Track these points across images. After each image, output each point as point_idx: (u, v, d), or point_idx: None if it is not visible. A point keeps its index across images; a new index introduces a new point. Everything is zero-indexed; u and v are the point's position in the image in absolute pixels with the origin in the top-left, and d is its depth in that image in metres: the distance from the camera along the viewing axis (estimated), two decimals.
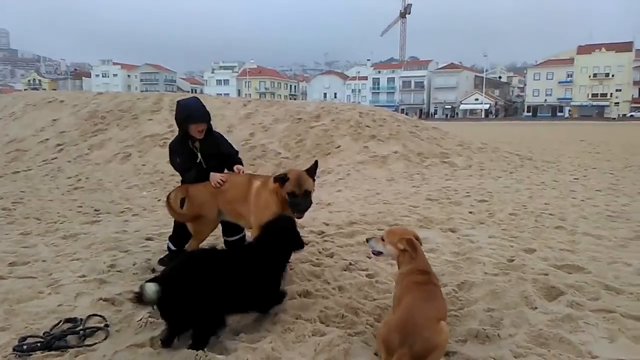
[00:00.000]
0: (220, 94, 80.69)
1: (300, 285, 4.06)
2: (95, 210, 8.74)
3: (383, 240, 3.24)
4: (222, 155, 4.77)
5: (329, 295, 3.90)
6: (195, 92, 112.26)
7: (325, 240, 5.58)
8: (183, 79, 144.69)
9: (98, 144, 14.34)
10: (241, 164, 4.81)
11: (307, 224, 6.09)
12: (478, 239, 5.56)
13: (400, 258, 3.16)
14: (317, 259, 4.83)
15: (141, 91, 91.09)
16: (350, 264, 4.65)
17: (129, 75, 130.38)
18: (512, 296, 3.71)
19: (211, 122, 4.67)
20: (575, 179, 10.83)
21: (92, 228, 6.75)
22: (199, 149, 4.62)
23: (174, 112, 4.66)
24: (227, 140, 4.91)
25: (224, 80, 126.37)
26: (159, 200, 10.03)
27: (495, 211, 7.11)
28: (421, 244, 3.23)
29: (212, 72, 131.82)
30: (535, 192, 8.90)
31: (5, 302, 3.85)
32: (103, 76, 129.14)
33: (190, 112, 4.49)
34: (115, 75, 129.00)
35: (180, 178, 4.93)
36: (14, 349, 3.01)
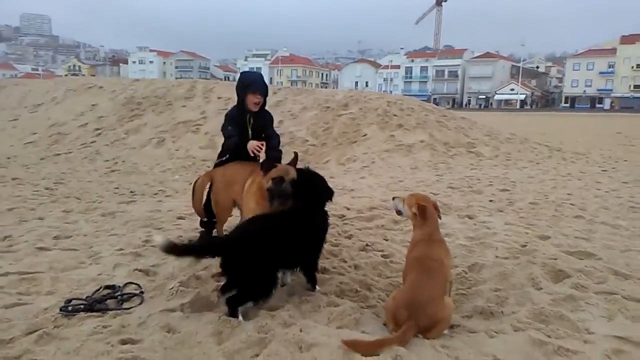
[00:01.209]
0: None
1: (318, 263, 4.33)
2: (131, 191, 9.21)
3: (404, 201, 3.49)
4: (266, 135, 4.96)
5: (345, 272, 4.17)
6: (229, 79, 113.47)
7: (345, 223, 5.84)
8: (217, 66, 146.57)
9: (134, 129, 14.92)
10: (278, 156, 4.79)
11: (328, 207, 6.34)
12: (494, 225, 5.70)
13: (413, 221, 3.42)
14: (335, 240, 5.09)
15: (176, 78, 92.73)
16: (367, 245, 4.90)
17: (164, 62, 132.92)
18: (519, 278, 3.89)
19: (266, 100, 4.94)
20: (603, 170, 10.72)
21: (128, 207, 7.18)
22: (252, 124, 4.87)
23: (236, 82, 5.00)
24: (272, 122, 5.13)
25: (256, 67, 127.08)
26: (190, 183, 10.43)
27: (515, 200, 7.21)
28: (439, 214, 3.45)
29: (245, 60, 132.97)
30: (559, 182, 8.91)
31: (51, 270, 4.25)
32: (140, 63, 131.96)
33: (252, 82, 4.79)
34: (151, 62, 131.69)
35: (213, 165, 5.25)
36: (60, 309, 3.37)
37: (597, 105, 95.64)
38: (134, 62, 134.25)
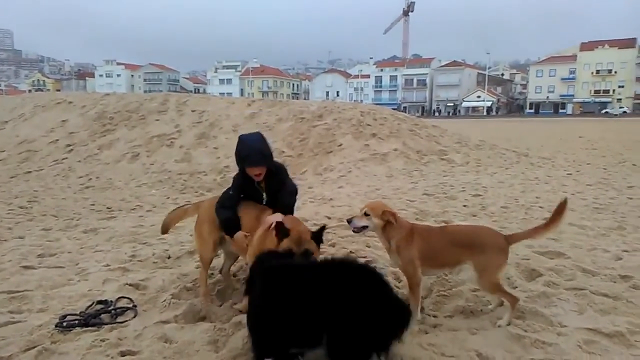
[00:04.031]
0: (223, 94, 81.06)
1: None
2: (108, 207, 9.19)
3: (367, 215, 3.51)
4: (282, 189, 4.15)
5: None
6: (199, 91, 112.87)
7: (328, 232, 5.97)
8: (186, 78, 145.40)
9: (107, 144, 14.81)
10: (288, 207, 4.08)
11: (310, 217, 6.50)
12: None
13: (388, 229, 3.49)
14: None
15: (144, 91, 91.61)
16: (351, 252, 5.08)
17: (132, 75, 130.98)
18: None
19: (272, 162, 4.08)
20: (568, 174, 11.21)
21: (109, 223, 7.20)
22: (265, 188, 4.11)
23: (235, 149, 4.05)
24: (283, 168, 4.29)
25: (226, 79, 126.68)
26: (167, 198, 10.50)
27: (488, 204, 7.52)
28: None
29: (215, 72, 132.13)
30: (528, 186, 9.30)
31: (40, 288, 4.29)
32: (107, 76, 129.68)
33: (249, 154, 3.93)
34: (118, 75, 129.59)
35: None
36: (56, 326, 3.43)
37: (561, 111, 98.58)
38: (100, 75, 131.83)
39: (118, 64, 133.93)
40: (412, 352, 2.97)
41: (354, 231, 3.62)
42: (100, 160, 13.90)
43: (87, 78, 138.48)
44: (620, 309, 3.55)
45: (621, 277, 4.17)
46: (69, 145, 14.98)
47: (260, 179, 4.01)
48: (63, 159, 14.19)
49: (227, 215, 3.93)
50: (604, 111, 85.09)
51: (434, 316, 3.63)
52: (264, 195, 4.10)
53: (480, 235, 3.59)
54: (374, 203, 3.70)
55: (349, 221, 3.59)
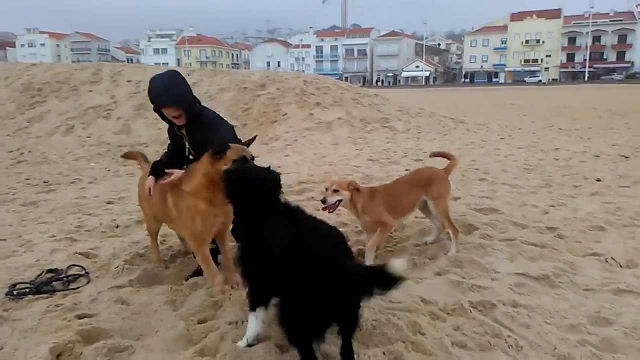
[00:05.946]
0: (159, 64, 77.88)
1: None
2: (45, 182, 8.81)
3: (336, 191, 3.74)
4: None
5: None
6: (131, 61, 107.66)
7: None
8: (118, 48, 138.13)
9: (37, 117, 14.01)
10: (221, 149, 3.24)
11: None
12: None
13: (354, 197, 3.81)
14: None
15: (72, 61, 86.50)
16: None
17: (58, 45, 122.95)
18: (435, 233, 4.43)
19: (195, 106, 3.69)
20: (501, 138, 11.88)
21: (49, 196, 6.95)
22: (187, 136, 3.76)
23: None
24: (220, 121, 3.87)
25: (161, 49, 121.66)
26: (108, 170, 10.19)
27: None
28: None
29: (149, 41, 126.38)
30: (464, 151, 9.80)
31: None
32: (29, 46, 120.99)
33: (155, 95, 3.51)
34: (42, 44, 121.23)
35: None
36: (6, 294, 3.37)
37: (494, 79, 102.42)
38: (22, 45, 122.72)
39: (41, 32, 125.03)
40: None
41: (329, 211, 3.76)
42: (31, 134, 13.16)
43: (7, 48, 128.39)
44: (547, 255, 3.94)
45: (547, 229, 4.60)
46: None
47: (181, 123, 3.63)
48: None
49: (159, 159, 3.81)
50: (524, 79, 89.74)
51: None
52: (187, 144, 3.76)
53: (426, 173, 4.33)
54: (336, 179, 4.04)
55: (324, 201, 3.72)
